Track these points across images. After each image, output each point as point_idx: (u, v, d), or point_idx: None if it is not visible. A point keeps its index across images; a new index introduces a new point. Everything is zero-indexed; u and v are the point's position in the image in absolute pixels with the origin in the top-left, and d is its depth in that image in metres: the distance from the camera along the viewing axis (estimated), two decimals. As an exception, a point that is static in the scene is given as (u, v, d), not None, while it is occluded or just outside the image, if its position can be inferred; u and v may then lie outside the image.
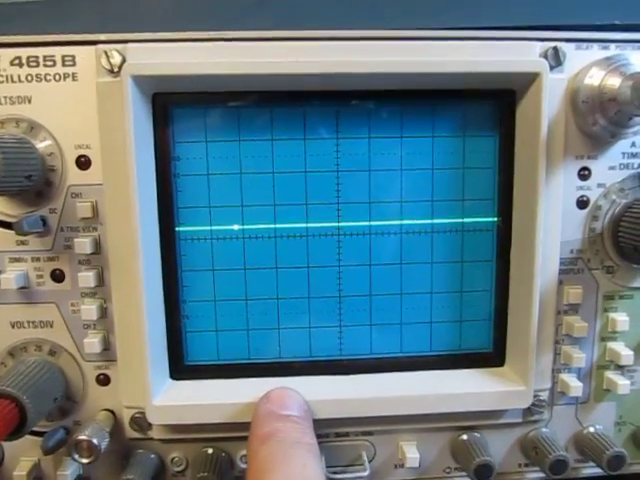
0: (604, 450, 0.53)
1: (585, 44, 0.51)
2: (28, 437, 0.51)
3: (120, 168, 0.48)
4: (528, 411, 0.55)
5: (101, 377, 0.53)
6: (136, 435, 0.53)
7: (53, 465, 0.54)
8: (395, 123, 0.52)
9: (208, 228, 0.53)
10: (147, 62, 0.47)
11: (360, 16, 0.54)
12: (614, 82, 0.47)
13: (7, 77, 0.49)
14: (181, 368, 0.55)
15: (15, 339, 0.52)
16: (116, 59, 0.47)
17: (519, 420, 0.55)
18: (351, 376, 0.55)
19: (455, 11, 0.54)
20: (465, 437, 0.55)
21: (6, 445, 0.54)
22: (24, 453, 0.54)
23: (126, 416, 0.53)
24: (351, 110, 0.52)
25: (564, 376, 0.55)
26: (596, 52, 0.51)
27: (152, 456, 0.54)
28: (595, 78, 0.49)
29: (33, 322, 0.52)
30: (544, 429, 0.56)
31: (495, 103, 0.52)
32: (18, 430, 0.46)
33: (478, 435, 0.56)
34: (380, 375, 0.55)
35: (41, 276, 0.51)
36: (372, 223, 0.54)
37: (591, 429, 0.57)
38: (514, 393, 0.53)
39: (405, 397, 0.53)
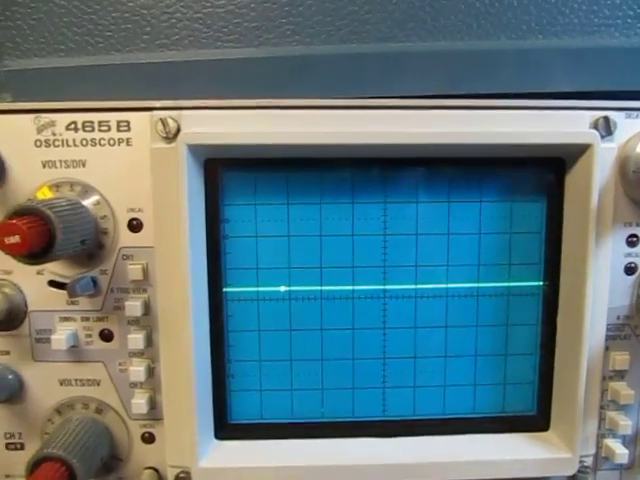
0: (651, 519, 0.53)
1: (635, 112, 0.51)
2: (72, 493, 0.51)
3: (172, 231, 0.49)
4: (572, 477, 0.54)
5: (146, 435, 0.53)
6: (179, 494, 0.54)
7: (95, 521, 0.54)
8: (442, 188, 0.52)
9: (255, 289, 0.53)
10: (202, 131, 0.48)
11: (407, 83, 0.54)
12: (666, 153, 0.47)
13: (63, 141, 0.50)
14: (224, 427, 0.55)
15: (63, 396, 0.53)
16: (171, 127, 0.48)
17: (563, 486, 0.55)
18: (393, 439, 0.55)
19: (502, 77, 0.54)
20: (508, 502, 0.55)
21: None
22: (67, 508, 0.54)
23: (170, 475, 0.53)
24: (399, 175, 0.52)
25: (609, 442, 0.55)
26: (646, 121, 0.51)
27: (194, 515, 0.54)
28: (646, 148, 0.49)
29: (81, 380, 0.53)
30: (587, 495, 0.56)
31: (544, 171, 0.52)
32: (67, 492, 0.47)
33: (520, 500, 0.55)
34: (422, 438, 0.55)
35: (90, 335, 0.52)
36: (418, 286, 0.54)
37: (636, 495, 0.56)
38: (559, 460, 0.53)
39: (447, 463, 0.52)
